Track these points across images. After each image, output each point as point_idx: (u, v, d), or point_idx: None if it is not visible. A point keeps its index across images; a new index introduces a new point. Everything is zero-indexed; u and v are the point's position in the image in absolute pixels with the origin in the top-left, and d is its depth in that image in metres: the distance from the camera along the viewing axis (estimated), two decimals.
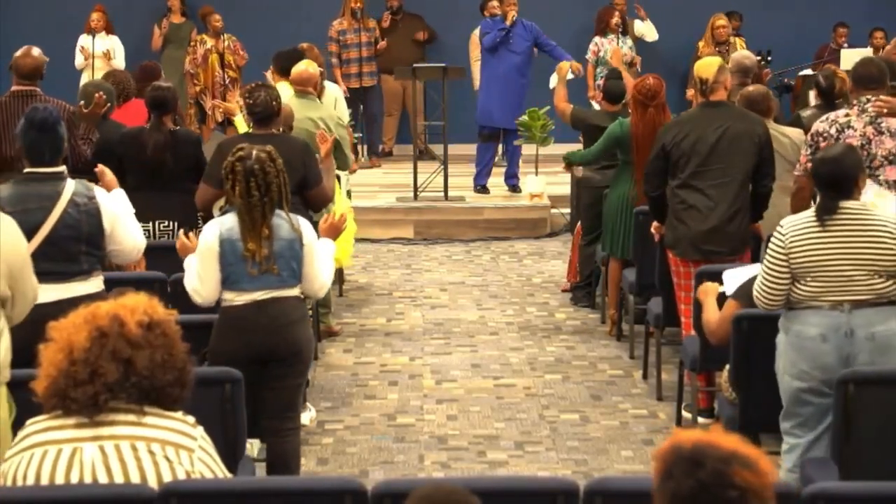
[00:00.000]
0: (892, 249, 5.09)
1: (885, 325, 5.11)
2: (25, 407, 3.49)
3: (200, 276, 5.43)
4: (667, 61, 14.71)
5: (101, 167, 5.94)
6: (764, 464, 2.59)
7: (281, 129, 7.22)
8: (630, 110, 8.25)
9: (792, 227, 5.16)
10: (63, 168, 5.43)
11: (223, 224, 5.41)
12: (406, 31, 14.60)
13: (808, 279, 5.11)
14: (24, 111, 7.24)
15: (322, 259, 5.53)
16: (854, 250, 5.09)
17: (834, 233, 5.10)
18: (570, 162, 9.12)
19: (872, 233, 5.10)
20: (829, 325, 5.10)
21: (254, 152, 5.36)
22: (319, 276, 5.50)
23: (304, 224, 5.45)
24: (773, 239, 5.20)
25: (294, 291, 5.47)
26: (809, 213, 5.20)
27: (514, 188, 12.56)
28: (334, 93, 9.56)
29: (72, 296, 5.24)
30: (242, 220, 5.34)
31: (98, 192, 5.47)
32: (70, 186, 5.36)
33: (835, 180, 5.14)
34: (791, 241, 5.13)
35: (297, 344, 5.47)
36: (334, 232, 5.78)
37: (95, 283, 5.45)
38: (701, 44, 13.39)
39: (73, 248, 5.35)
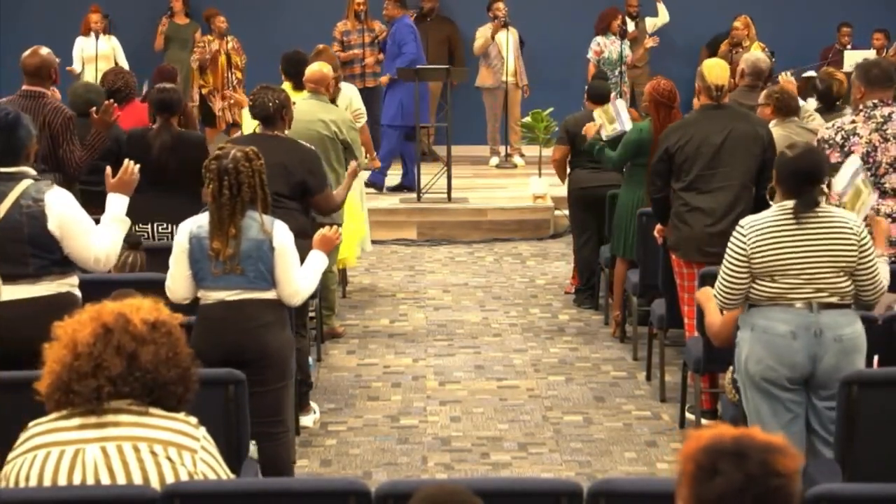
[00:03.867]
0: (853, 246, 5.12)
1: (851, 328, 5.15)
2: (29, 409, 3.48)
3: (172, 274, 5.47)
4: (678, 58, 14.71)
5: (108, 169, 5.86)
6: (792, 449, 2.64)
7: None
8: (650, 113, 8.17)
9: (753, 228, 5.17)
10: (22, 169, 5.29)
11: (196, 222, 5.44)
12: (435, 33, 14.55)
13: (775, 277, 5.13)
14: (30, 111, 7.25)
15: (295, 265, 5.45)
16: (818, 248, 5.11)
17: (797, 232, 5.12)
18: (593, 149, 8.74)
19: (835, 230, 5.13)
20: (798, 323, 5.12)
21: (232, 152, 5.37)
22: (291, 282, 5.43)
23: (277, 227, 5.41)
24: (733, 239, 5.22)
25: (268, 294, 5.44)
26: (771, 213, 5.20)
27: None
28: (349, 92, 9.53)
29: (14, 298, 5.19)
30: (212, 218, 5.36)
31: (51, 195, 5.26)
32: (20, 188, 5.23)
33: (815, 174, 5.15)
34: (753, 242, 5.14)
35: (266, 348, 5.43)
36: (327, 244, 5.76)
37: (48, 287, 5.27)
38: (723, 45, 13.36)
39: (15, 250, 5.21)
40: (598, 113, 8.94)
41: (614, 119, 8.84)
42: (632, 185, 8.44)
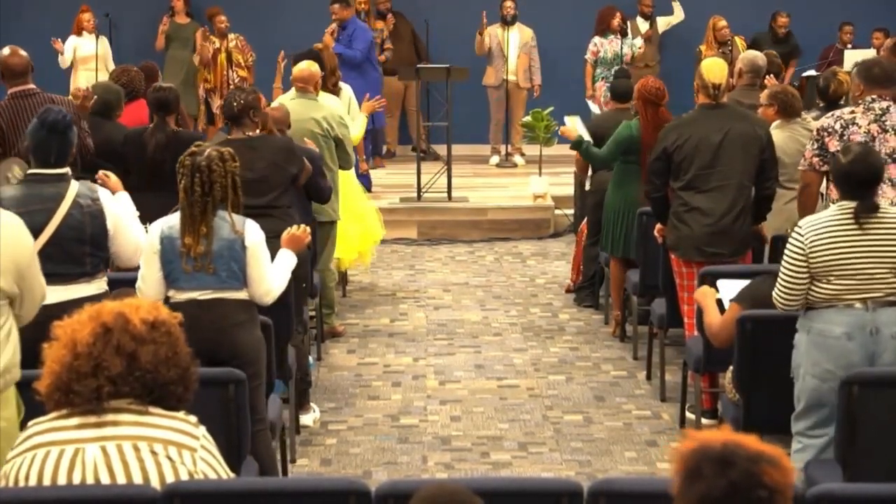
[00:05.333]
0: None
1: None
2: (30, 408, 3.48)
3: (142, 275, 5.45)
4: (682, 58, 14.70)
5: (102, 172, 5.94)
6: (787, 462, 2.61)
7: (259, 131, 7.09)
8: (638, 111, 8.21)
9: (811, 228, 5.15)
10: (67, 170, 5.43)
11: (167, 222, 5.43)
12: (399, 33, 14.57)
13: (831, 279, 5.11)
14: (29, 110, 7.27)
15: (267, 264, 5.45)
16: (876, 248, 5.09)
17: (856, 231, 5.10)
18: (577, 149, 8.76)
19: (889, 229, 5.10)
20: (853, 323, 5.10)
21: (207, 150, 5.36)
22: (264, 281, 5.42)
23: (249, 226, 5.39)
24: (791, 240, 5.19)
25: (239, 294, 5.42)
26: (830, 213, 5.20)
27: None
28: (348, 92, 9.55)
29: (75, 297, 5.25)
30: (183, 215, 5.34)
31: (102, 193, 5.47)
32: (74, 188, 5.37)
33: (871, 178, 5.15)
34: (811, 242, 5.12)
35: (238, 346, 5.40)
36: (296, 244, 5.74)
37: (98, 285, 5.45)
38: (703, 46, 13.42)
39: (76, 250, 5.35)
40: (569, 119, 8.94)
41: (576, 130, 8.82)
42: (621, 183, 8.44)
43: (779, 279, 5.22)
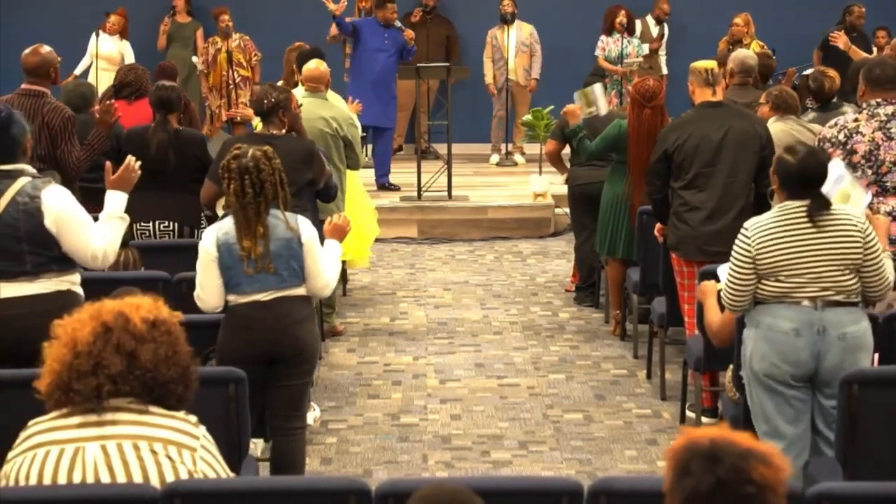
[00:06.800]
0: (858, 243, 5.13)
1: (855, 326, 5.15)
2: (30, 408, 3.48)
3: (202, 284, 5.43)
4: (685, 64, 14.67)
5: (108, 165, 5.82)
6: (778, 459, 2.60)
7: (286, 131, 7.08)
8: (627, 110, 8.23)
9: (757, 229, 5.19)
10: (15, 167, 5.26)
11: (220, 228, 5.41)
12: (433, 31, 14.55)
13: (780, 277, 5.13)
14: (27, 109, 7.24)
15: (323, 257, 5.51)
16: (824, 247, 5.12)
17: (802, 231, 5.13)
18: (573, 136, 8.72)
19: (839, 228, 5.13)
20: (802, 320, 5.13)
21: (250, 151, 5.37)
22: (322, 275, 5.48)
23: (302, 222, 5.44)
24: (738, 241, 5.23)
25: (299, 290, 5.47)
26: (774, 213, 5.21)
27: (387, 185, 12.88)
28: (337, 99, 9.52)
29: (14, 295, 5.17)
30: (237, 218, 5.34)
31: (47, 192, 5.23)
32: (17, 185, 5.21)
33: (823, 176, 5.19)
34: (758, 242, 5.15)
35: (301, 343, 5.47)
36: (339, 233, 5.76)
37: (45, 285, 5.24)
38: (722, 42, 13.38)
39: (13, 248, 5.18)
40: (577, 95, 8.97)
41: (592, 103, 8.85)
42: (612, 182, 8.46)
43: (727, 280, 5.26)
